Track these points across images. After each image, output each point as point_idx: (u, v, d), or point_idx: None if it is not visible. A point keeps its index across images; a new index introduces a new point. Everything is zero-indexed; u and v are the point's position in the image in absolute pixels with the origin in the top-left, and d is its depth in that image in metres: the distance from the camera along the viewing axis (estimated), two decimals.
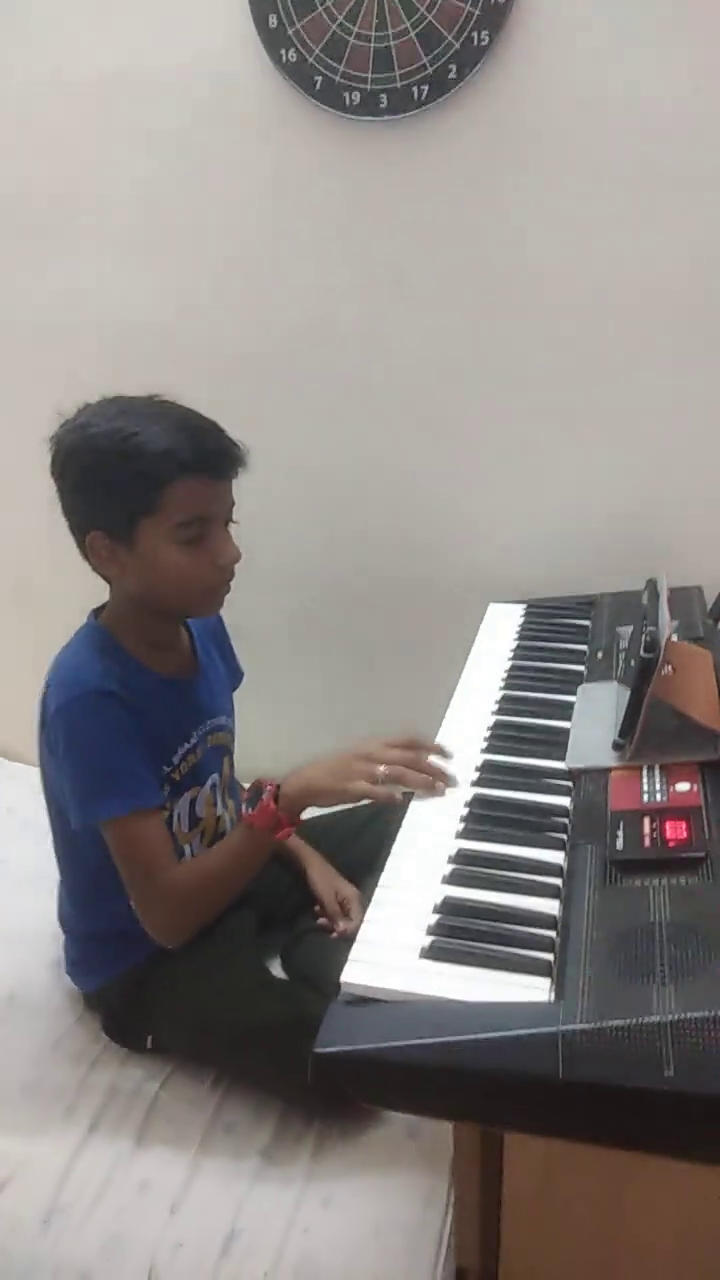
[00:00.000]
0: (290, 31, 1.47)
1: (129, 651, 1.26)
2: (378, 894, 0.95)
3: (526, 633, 1.53)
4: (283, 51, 1.48)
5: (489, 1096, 0.77)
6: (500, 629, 1.56)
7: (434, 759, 1.15)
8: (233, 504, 1.24)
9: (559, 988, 0.80)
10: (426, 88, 1.46)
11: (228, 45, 1.51)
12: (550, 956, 0.84)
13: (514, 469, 1.68)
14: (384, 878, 0.97)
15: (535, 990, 0.81)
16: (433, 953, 0.85)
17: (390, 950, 0.86)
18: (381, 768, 1.14)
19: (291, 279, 1.63)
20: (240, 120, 1.56)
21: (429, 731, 1.24)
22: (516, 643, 1.50)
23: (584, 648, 1.45)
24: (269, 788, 1.20)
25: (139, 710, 1.21)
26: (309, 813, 1.23)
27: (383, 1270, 1.02)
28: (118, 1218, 1.09)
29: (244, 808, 1.23)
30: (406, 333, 1.62)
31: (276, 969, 1.39)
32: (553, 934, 0.87)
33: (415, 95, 1.47)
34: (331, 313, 1.64)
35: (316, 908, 1.43)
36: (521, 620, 1.59)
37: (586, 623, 1.54)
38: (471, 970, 0.83)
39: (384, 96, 1.48)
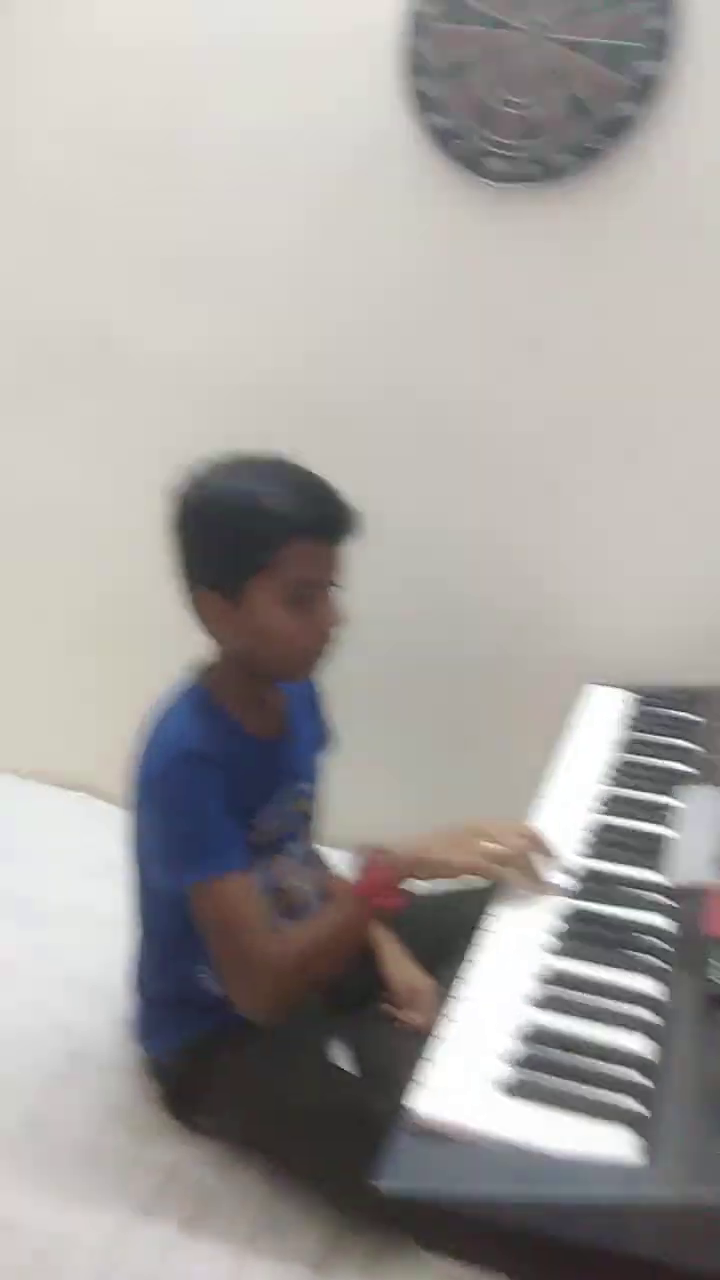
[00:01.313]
0: (439, 97, 1.46)
1: (227, 711, 1.24)
2: (456, 1008, 0.88)
3: (631, 724, 1.46)
4: (431, 117, 1.47)
5: (561, 1264, 0.70)
6: (601, 716, 1.49)
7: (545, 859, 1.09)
8: (342, 570, 1.21)
9: (648, 1145, 0.73)
10: (574, 157, 1.43)
11: (376, 109, 1.51)
12: (640, 1106, 0.76)
13: (629, 546, 1.62)
14: (464, 990, 0.91)
15: (621, 1144, 0.73)
16: (512, 1088, 0.79)
17: (465, 1078, 0.80)
18: (491, 847, 1.08)
19: (423, 342, 1.62)
20: (383, 184, 1.56)
21: (514, 815, 1.18)
22: (620, 734, 1.43)
23: (692, 747, 1.37)
24: (378, 856, 1.15)
25: (230, 772, 1.18)
26: None
27: None
28: None
29: (352, 874, 1.18)
30: (534, 400, 1.59)
31: (340, 1054, 1.33)
32: (643, 1079, 0.79)
33: (562, 164, 1.44)
34: (461, 377, 1.61)
35: (387, 996, 1.37)
36: (626, 709, 1.51)
37: (698, 719, 1.45)
38: (552, 1112, 0.76)
39: (530, 165, 1.45)
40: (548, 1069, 0.80)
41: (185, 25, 1.60)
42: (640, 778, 1.29)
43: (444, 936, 1.21)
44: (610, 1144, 0.73)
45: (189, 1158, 1.21)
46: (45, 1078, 1.31)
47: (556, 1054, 0.82)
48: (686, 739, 1.39)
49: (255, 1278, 1.07)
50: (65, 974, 1.49)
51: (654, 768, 1.32)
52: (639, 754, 1.37)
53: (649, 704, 1.52)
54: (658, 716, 1.47)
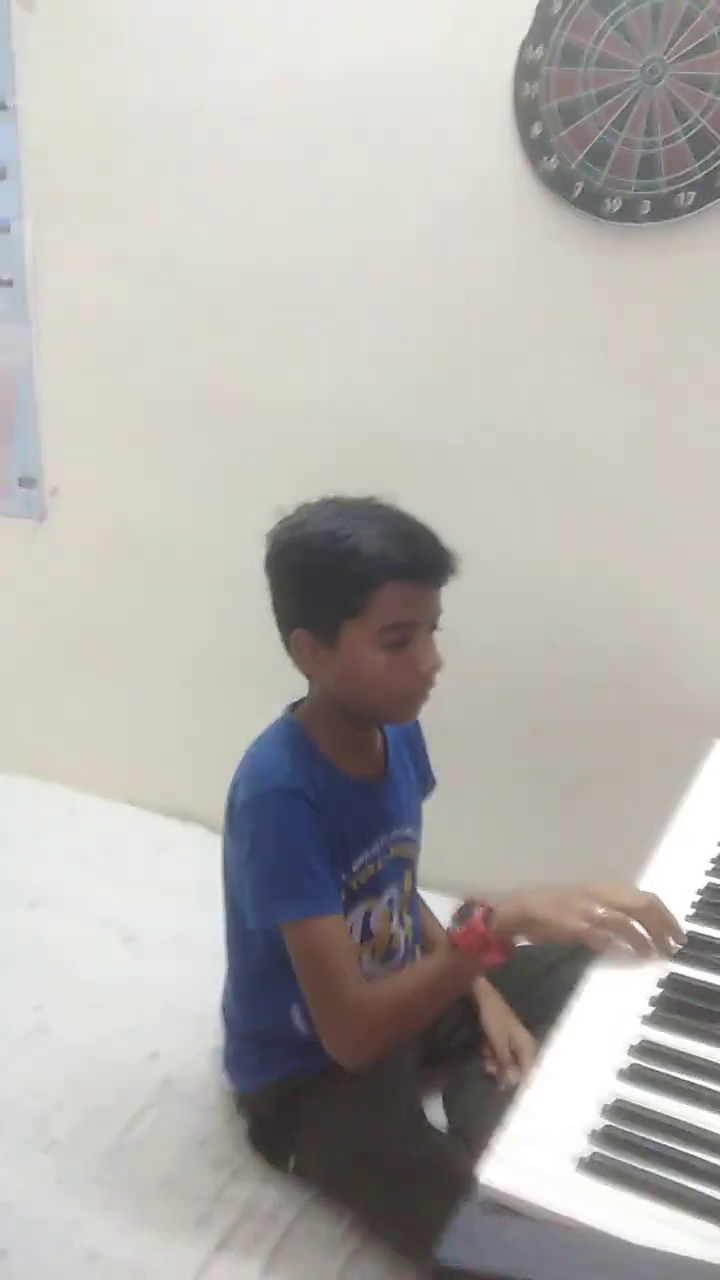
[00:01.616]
0: (553, 140, 1.45)
1: (322, 750, 1.23)
2: (540, 1078, 0.84)
3: None
4: (544, 159, 1.47)
5: None
6: None
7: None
8: (440, 612, 1.19)
9: None
10: (694, 193, 1.39)
11: (487, 154, 1.52)
12: None
13: None
14: (550, 1059, 0.86)
15: (707, 1239, 0.68)
16: (592, 1167, 0.74)
17: (542, 1153, 0.76)
18: (600, 911, 1.02)
19: (539, 386, 1.60)
20: (494, 228, 1.56)
21: (632, 878, 1.12)
22: None
23: None
24: (481, 909, 1.11)
25: (325, 812, 1.18)
26: None
27: None
28: None
29: (452, 925, 1.15)
30: (652, 440, 1.55)
31: (435, 1108, 1.30)
32: None
33: (681, 201, 1.40)
34: (577, 418, 1.59)
35: (486, 1051, 1.33)
36: None
37: None
38: (636, 1200, 0.72)
39: (647, 203, 1.42)
40: (631, 1150, 0.75)
41: (303, 76, 1.64)
42: None
43: (549, 993, 1.16)
44: (701, 1242, 0.68)
45: (273, 1199, 1.21)
46: (136, 1107, 1.33)
47: (646, 1136, 0.77)
48: None
49: None
50: (163, 1003, 1.51)
51: None
52: None
53: None
54: None
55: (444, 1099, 1.32)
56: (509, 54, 1.46)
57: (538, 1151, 0.76)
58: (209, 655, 2.01)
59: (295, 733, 1.24)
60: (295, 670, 1.25)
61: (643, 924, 1.00)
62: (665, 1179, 0.73)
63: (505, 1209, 0.72)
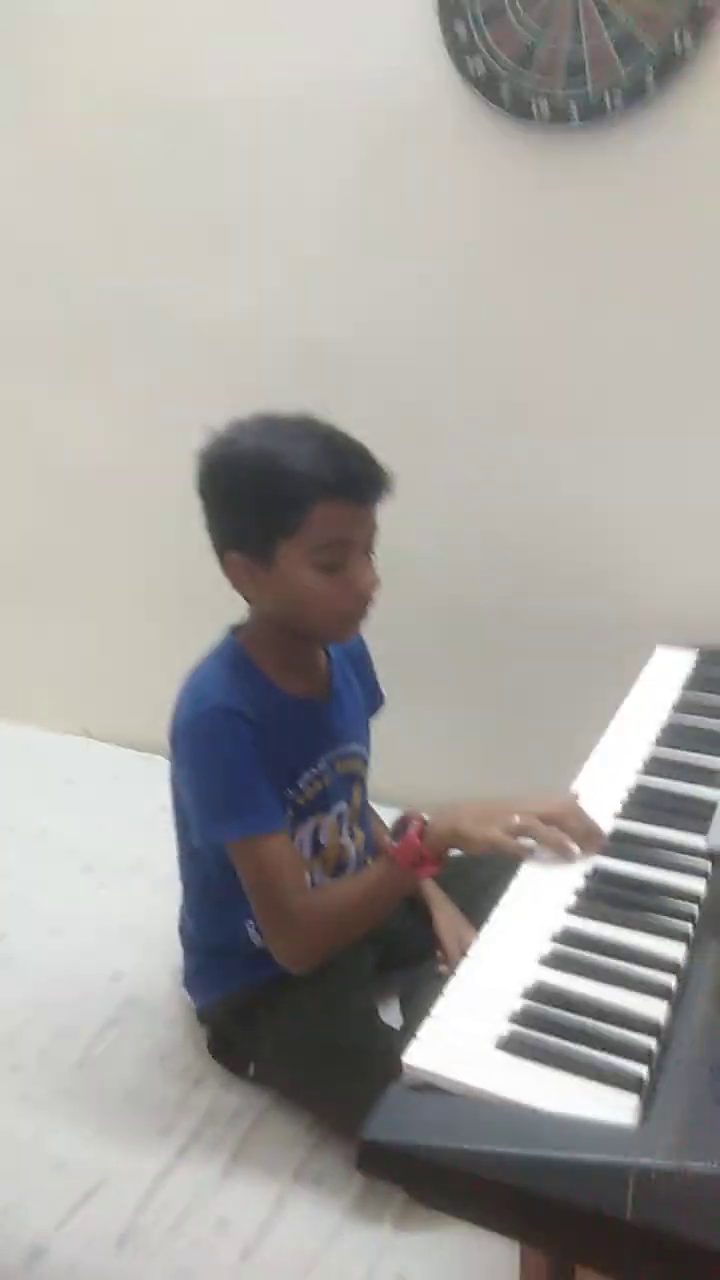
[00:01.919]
0: (478, 40, 1.42)
1: (262, 670, 1.24)
2: (464, 966, 0.88)
3: (692, 684, 1.41)
4: (469, 60, 1.43)
5: (550, 1223, 0.68)
6: (665, 676, 1.44)
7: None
8: (375, 530, 1.20)
9: (646, 1110, 0.71)
10: (621, 96, 1.37)
11: (414, 58, 1.48)
12: (644, 1070, 0.74)
13: (697, 499, 1.56)
14: (475, 948, 0.90)
15: (620, 1109, 0.72)
16: (511, 1045, 0.78)
17: (464, 1035, 0.79)
18: (516, 818, 1.07)
19: (476, 294, 1.58)
20: (426, 133, 1.53)
21: (570, 782, 1.15)
22: (680, 695, 1.38)
23: None
24: (416, 823, 1.16)
25: (267, 731, 1.19)
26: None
27: None
28: (189, 1252, 1.07)
29: (389, 840, 1.19)
30: (592, 350, 1.54)
31: (393, 1011, 1.34)
32: (652, 1043, 0.77)
33: (608, 104, 1.38)
34: (515, 329, 1.58)
35: (439, 953, 1.37)
36: (691, 669, 1.46)
37: None
38: (552, 1073, 0.75)
39: (574, 106, 1.40)
40: (550, 1029, 0.79)
41: None
42: (694, 740, 1.25)
43: (498, 894, 1.20)
44: (606, 1107, 0.72)
45: (233, 1104, 1.24)
46: (99, 1023, 1.36)
47: (561, 1014, 0.80)
48: None
49: (291, 1221, 1.09)
50: (122, 924, 1.54)
51: (709, 730, 1.27)
52: (697, 714, 1.32)
53: (714, 664, 1.46)
54: None
55: (400, 1001, 1.36)
56: None
57: (460, 1033, 0.79)
58: (155, 581, 2.00)
59: (235, 653, 1.25)
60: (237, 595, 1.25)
61: (566, 828, 1.04)
62: (578, 1052, 0.76)
63: (429, 1088, 0.76)
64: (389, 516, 1.19)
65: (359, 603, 1.19)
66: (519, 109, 1.43)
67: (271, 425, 1.17)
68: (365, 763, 1.39)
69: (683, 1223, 0.63)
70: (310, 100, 1.58)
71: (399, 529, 1.20)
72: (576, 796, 1.11)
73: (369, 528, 1.18)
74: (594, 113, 1.39)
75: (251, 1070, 1.29)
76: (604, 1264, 0.69)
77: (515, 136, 1.45)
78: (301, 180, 1.64)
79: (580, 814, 1.06)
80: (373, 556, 1.20)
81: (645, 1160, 0.66)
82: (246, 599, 1.25)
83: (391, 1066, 1.06)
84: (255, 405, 1.20)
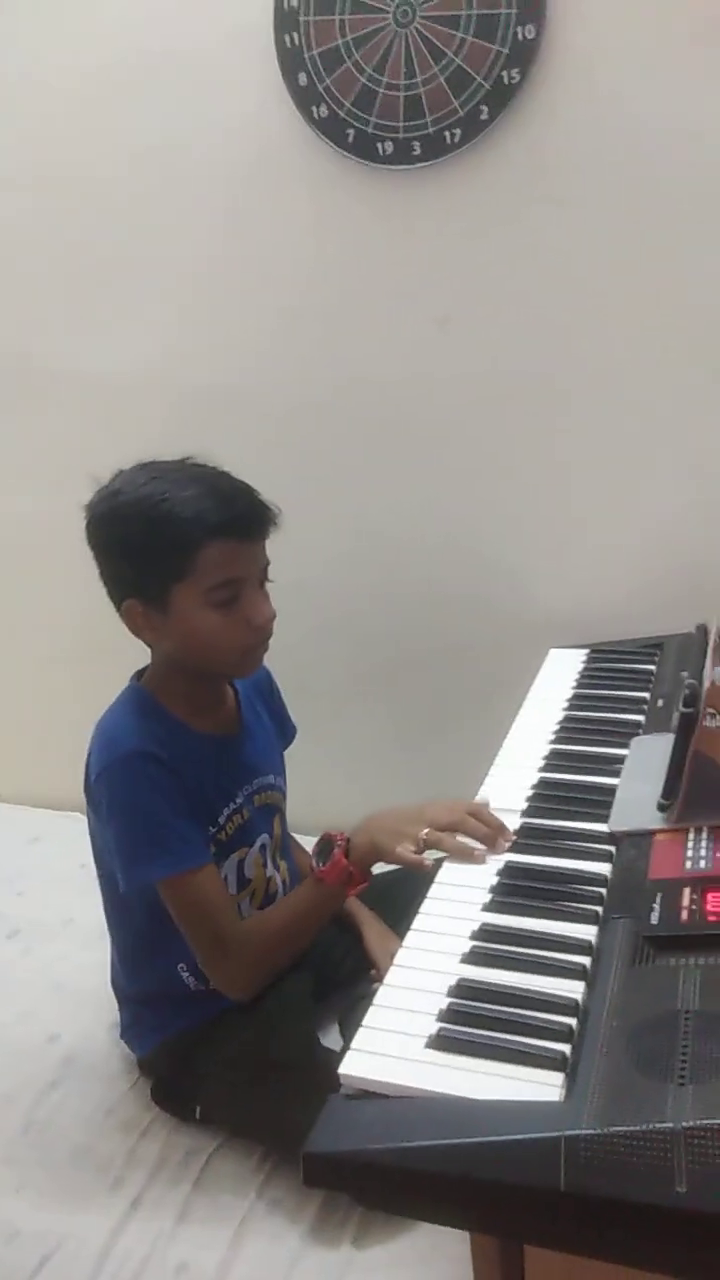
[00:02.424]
0: (320, 88, 1.48)
1: (171, 711, 1.26)
2: (390, 974, 0.90)
3: (585, 680, 1.47)
4: (314, 108, 1.49)
5: (493, 1206, 0.71)
6: (559, 676, 1.49)
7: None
8: (267, 564, 1.23)
9: (570, 1084, 0.74)
10: (459, 131, 1.44)
11: (262, 107, 1.53)
12: (566, 1048, 0.78)
13: (574, 510, 1.63)
14: (399, 957, 0.92)
15: (548, 1087, 0.75)
16: (440, 1043, 0.80)
17: (396, 1039, 0.82)
18: (423, 832, 1.10)
19: (337, 331, 1.63)
20: (279, 179, 1.58)
21: (478, 786, 1.19)
22: (574, 691, 1.44)
23: (646, 695, 1.38)
24: (339, 841, 1.19)
25: (181, 770, 1.21)
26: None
27: None
28: None
29: (315, 861, 1.22)
30: (453, 377, 1.60)
31: (333, 1035, 1.35)
32: (572, 1022, 0.80)
33: (448, 139, 1.45)
34: (378, 362, 1.63)
35: (373, 971, 1.39)
36: (582, 666, 1.52)
37: (651, 667, 1.46)
38: (480, 1063, 0.78)
39: (416, 144, 1.47)
40: (476, 1022, 0.82)
41: (78, 49, 1.63)
42: (589, 732, 1.30)
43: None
44: (534, 1088, 0.75)
45: (183, 1147, 1.24)
46: (40, 1087, 1.34)
47: (485, 1007, 0.83)
48: (638, 689, 1.40)
49: (250, 1254, 1.10)
50: (54, 985, 1.52)
51: (604, 720, 1.33)
52: (591, 708, 1.38)
53: (604, 658, 1.53)
54: (612, 669, 1.48)
55: (339, 1023, 1.37)
56: (267, 5, 1.48)
57: (391, 1038, 0.82)
58: (61, 637, 1.99)
59: (141, 698, 1.26)
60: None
61: (469, 833, 1.08)
62: (504, 1040, 0.79)
63: (367, 1095, 0.78)
64: (281, 550, 1.22)
65: (258, 635, 1.22)
66: (364, 150, 1.49)
67: (154, 472, 1.20)
68: (283, 794, 1.41)
69: (613, 1183, 0.66)
70: (169, 151, 1.62)
71: (291, 562, 1.23)
72: (486, 802, 1.14)
73: (260, 561, 1.21)
74: (435, 148, 1.46)
75: (197, 1112, 1.28)
76: (547, 1238, 0.72)
77: (363, 176, 1.52)
78: (165, 232, 1.67)
79: (483, 815, 1.10)
80: (267, 588, 1.23)
81: (573, 1130, 0.69)
82: (147, 644, 1.26)
83: (335, 1088, 1.08)
84: (141, 454, 1.22)
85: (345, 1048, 1.27)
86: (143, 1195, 1.19)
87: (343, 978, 1.43)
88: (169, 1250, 1.11)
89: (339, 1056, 1.24)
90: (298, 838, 1.48)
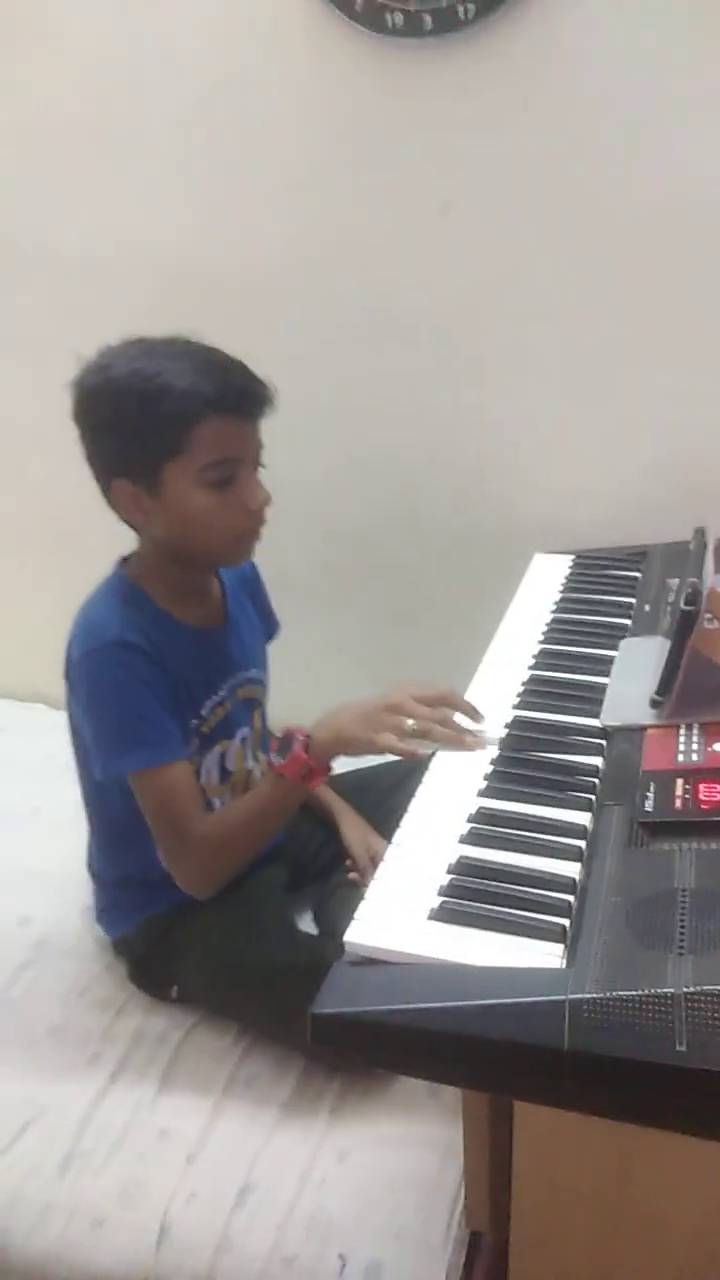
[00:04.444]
0: None
1: (155, 601, 1.24)
2: (390, 851, 0.92)
3: (571, 585, 1.48)
4: None
5: (493, 1064, 0.73)
6: (545, 580, 1.50)
7: (463, 718, 1.11)
8: (261, 446, 1.20)
9: (571, 954, 0.76)
10: (474, 6, 1.38)
11: None
12: (565, 922, 0.80)
13: (564, 411, 1.61)
14: (398, 835, 0.94)
15: (547, 957, 0.77)
16: (442, 914, 0.82)
17: (398, 911, 0.83)
18: (410, 722, 1.11)
19: (333, 208, 1.57)
20: (279, 44, 1.49)
21: (465, 685, 1.20)
22: (561, 595, 1.44)
23: (632, 601, 1.39)
24: (300, 737, 1.18)
25: (164, 662, 1.19)
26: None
27: (395, 1227, 1.01)
28: (135, 1165, 1.09)
29: (273, 757, 1.21)
30: (452, 263, 1.56)
31: (308, 924, 1.38)
32: (570, 898, 0.83)
33: (461, 14, 1.39)
34: (374, 243, 1.57)
35: (349, 862, 1.41)
36: (568, 572, 1.53)
37: (637, 574, 1.47)
38: (481, 934, 0.80)
39: (427, 17, 1.40)
40: (476, 896, 0.84)
41: None
42: (579, 633, 1.31)
43: (400, 804, 1.24)
44: (535, 957, 0.77)
45: (159, 1026, 1.26)
46: (13, 967, 1.35)
47: (485, 883, 0.85)
48: (624, 594, 1.41)
49: (229, 1126, 1.13)
50: (24, 870, 1.52)
51: (592, 623, 1.34)
52: (579, 611, 1.39)
53: (590, 565, 1.54)
54: (598, 575, 1.49)
55: (314, 911, 1.40)
56: None
57: (393, 910, 0.83)
58: (29, 524, 1.94)
59: (126, 586, 1.24)
60: (123, 528, 1.23)
61: (443, 722, 1.09)
62: (504, 913, 0.81)
63: (371, 962, 0.79)
64: (267, 442, 1.19)
65: (252, 520, 1.20)
66: (372, 20, 1.42)
67: (145, 347, 1.15)
68: (265, 688, 1.41)
69: (615, 1044, 0.69)
70: (160, 14, 1.52)
71: (273, 452, 1.20)
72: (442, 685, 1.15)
73: (255, 443, 1.19)
74: (447, 22, 1.39)
75: (174, 993, 1.30)
76: (546, 1096, 0.74)
77: (369, 47, 1.44)
78: (153, 96, 1.58)
79: (457, 696, 1.11)
80: (267, 476, 1.20)
81: (576, 994, 0.71)
82: (134, 528, 1.23)
83: (315, 970, 1.10)
84: (123, 334, 1.17)
85: (323, 935, 1.33)
86: (121, 1068, 1.21)
87: (318, 870, 1.45)
88: (150, 1118, 1.14)
89: (317, 943, 1.30)
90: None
